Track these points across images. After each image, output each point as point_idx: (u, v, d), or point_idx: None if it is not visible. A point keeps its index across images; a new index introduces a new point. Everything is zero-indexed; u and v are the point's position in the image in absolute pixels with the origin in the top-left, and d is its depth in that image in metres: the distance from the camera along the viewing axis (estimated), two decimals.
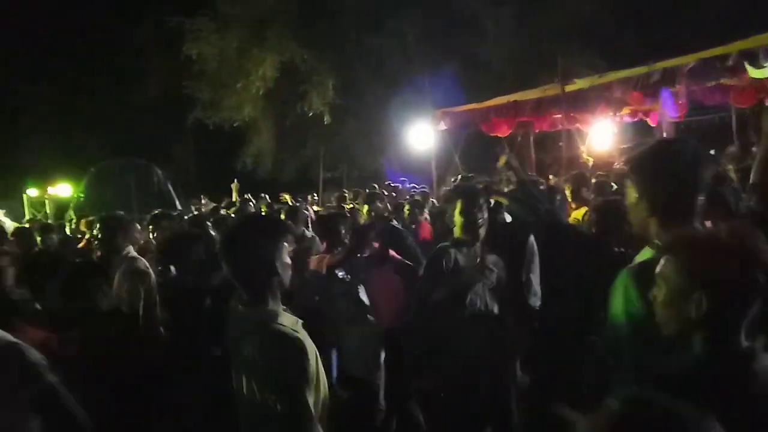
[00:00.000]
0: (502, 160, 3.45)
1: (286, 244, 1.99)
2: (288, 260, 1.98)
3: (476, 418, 2.89)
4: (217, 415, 2.72)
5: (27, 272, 3.18)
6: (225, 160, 17.41)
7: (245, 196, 8.02)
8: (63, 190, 13.20)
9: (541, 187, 4.95)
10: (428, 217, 5.91)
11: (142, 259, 3.75)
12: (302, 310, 2.15)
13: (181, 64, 15.68)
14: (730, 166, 4.76)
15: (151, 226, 5.13)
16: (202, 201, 12.02)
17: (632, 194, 1.64)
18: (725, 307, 1.18)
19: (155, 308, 3.43)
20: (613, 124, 10.95)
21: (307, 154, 17.60)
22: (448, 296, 2.80)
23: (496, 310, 2.91)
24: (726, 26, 9.08)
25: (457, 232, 2.96)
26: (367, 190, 9.57)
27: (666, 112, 7.67)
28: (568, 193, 4.98)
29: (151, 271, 3.60)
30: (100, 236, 4.19)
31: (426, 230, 5.66)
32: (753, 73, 6.35)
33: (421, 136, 11.22)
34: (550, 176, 9.93)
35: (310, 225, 5.50)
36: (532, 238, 3.47)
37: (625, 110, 10.31)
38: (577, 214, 4.58)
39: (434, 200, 7.65)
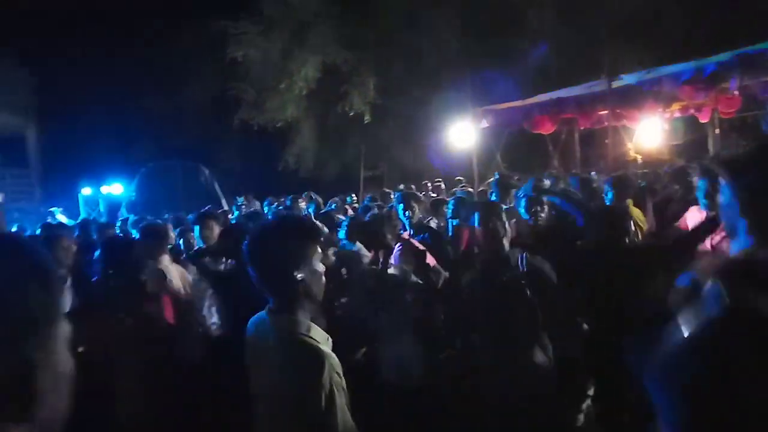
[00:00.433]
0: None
1: (318, 249, 1.85)
2: (320, 267, 1.84)
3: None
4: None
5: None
6: (268, 160, 17.73)
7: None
8: (116, 189, 13.71)
9: (594, 185, 4.82)
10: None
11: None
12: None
13: (226, 67, 16.06)
14: None
15: (198, 225, 5.30)
16: (245, 200, 12.29)
17: (720, 197, 1.43)
18: None
19: None
20: (662, 120, 10.64)
21: (349, 154, 17.77)
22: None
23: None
24: None
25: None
26: (404, 189, 9.62)
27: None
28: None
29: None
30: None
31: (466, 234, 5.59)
32: None
33: (462, 134, 11.18)
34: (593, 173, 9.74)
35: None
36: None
37: (675, 106, 10.00)
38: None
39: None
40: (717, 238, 2.92)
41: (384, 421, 3.12)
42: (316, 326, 1.79)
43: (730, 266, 1.05)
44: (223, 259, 3.87)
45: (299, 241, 1.81)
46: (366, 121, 15.67)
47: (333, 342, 1.83)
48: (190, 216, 7.41)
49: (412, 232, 4.47)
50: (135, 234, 5.62)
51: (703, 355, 0.70)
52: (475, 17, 14.59)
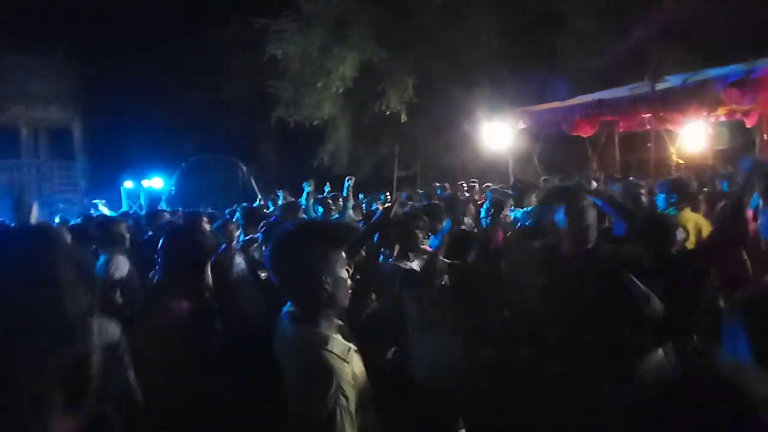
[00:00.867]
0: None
1: (342, 255, 1.79)
2: (344, 274, 1.77)
3: None
4: None
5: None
6: (304, 157, 17.94)
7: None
8: (156, 183, 14.07)
9: (642, 190, 4.68)
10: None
11: None
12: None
13: (265, 65, 16.30)
14: None
15: (243, 221, 5.47)
16: (281, 196, 12.43)
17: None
18: None
19: None
20: (706, 124, 10.32)
21: (383, 152, 17.81)
22: None
23: None
24: None
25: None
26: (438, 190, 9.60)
27: None
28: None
29: None
30: None
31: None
32: None
33: (499, 135, 11.08)
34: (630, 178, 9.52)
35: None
36: None
37: (721, 110, 9.68)
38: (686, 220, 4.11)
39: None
40: None
41: (417, 424, 3.09)
42: (336, 337, 1.73)
43: None
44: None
45: (321, 247, 1.73)
46: (402, 121, 15.67)
47: (360, 345, 1.79)
48: (227, 210, 7.61)
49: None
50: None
51: None
52: (516, 16, 14.42)
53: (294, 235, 1.78)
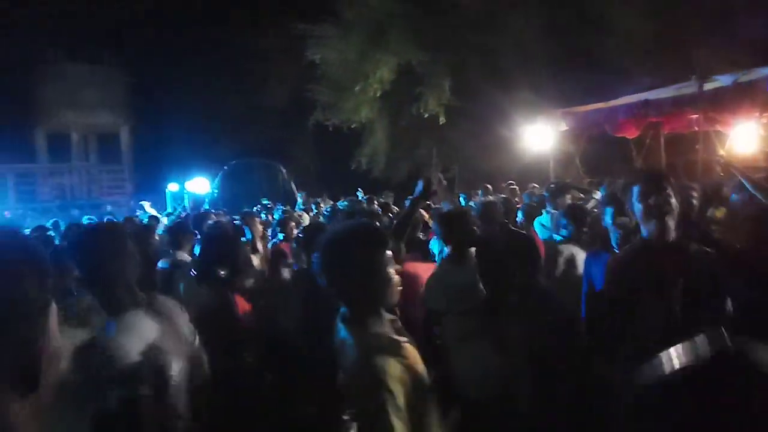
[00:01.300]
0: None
1: (389, 256, 1.82)
2: (393, 274, 1.81)
3: None
4: None
5: None
6: (341, 161, 18.11)
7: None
8: (199, 185, 14.44)
9: (693, 193, 4.54)
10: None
11: None
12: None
13: (304, 69, 16.52)
14: None
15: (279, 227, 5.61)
16: (322, 200, 12.60)
17: None
18: None
19: None
20: (758, 125, 9.94)
21: (421, 155, 17.81)
22: None
23: None
24: None
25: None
26: (480, 191, 9.55)
27: None
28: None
29: None
30: None
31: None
32: None
33: (539, 136, 10.93)
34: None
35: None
36: None
37: None
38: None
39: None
40: None
41: None
42: (386, 334, 1.77)
43: None
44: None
45: (370, 248, 1.77)
46: (440, 123, 15.64)
47: None
48: (262, 213, 7.78)
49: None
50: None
51: None
52: (556, 16, 14.21)
53: (344, 238, 1.82)
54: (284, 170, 15.56)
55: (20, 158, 19.16)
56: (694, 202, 4.48)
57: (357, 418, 1.68)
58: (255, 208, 8.89)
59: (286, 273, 4.27)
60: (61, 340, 0.92)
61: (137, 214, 11.51)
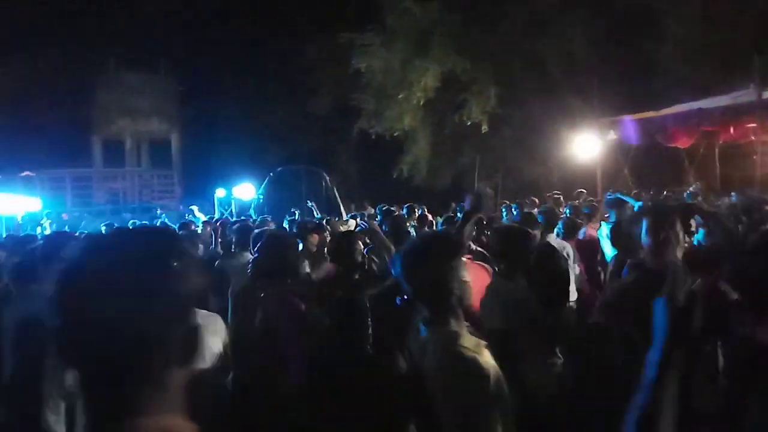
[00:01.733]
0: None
1: (463, 260, 1.99)
2: (467, 277, 1.97)
3: None
4: None
5: None
6: (383, 168, 18.19)
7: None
8: (245, 191, 14.74)
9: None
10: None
11: None
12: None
13: (349, 78, 16.72)
14: None
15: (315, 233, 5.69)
16: (365, 209, 12.68)
17: None
18: None
19: None
20: None
21: (463, 163, 17.71)
22: None
23: None
24: None
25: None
26: (527, 200, 9.41)
27: None
28: None
29: None
30: None
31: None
32: None
33: (586, 146, 10.73)
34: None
35: None
36: None
37: None
38: None
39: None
40: None
41: None
42: (466, 333, 1.90)
43: None
44: None
45: (451, 257, 1.96)
46: (483, 131, 15.54)
47: None
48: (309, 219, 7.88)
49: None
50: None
51: None
52: (606, 22, 13.90)
53: (427, 248, 2.03)
54: (328, 177, 15.75)
55: (77, 163, 20.06)
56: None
57: (451, 411, 1.76)
58: (297, 213, 9.01)
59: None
60: None
61: (187, 217, 11.87)
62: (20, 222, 11.32)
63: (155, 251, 0.98)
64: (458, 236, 2.65)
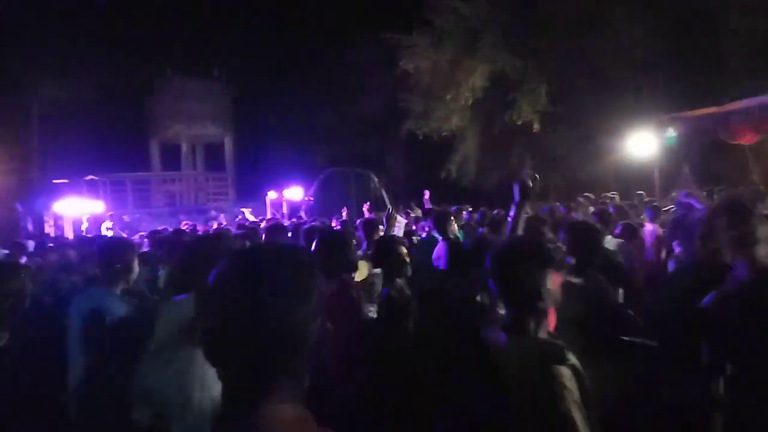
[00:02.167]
0: None
1: (551, 269, 1.99)
2: (553, 286, 1.98)
3: None
4: None
5: None
6: (431, 169, 18.12)
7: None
8: (296, 193, 15.00)
9: None
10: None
11: None
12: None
13: (397, 79, 16.76)
14: None
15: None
16: (410, 209, 12.66)
17: None
18: None
19: None
20: None
21: (513, 163, 17.40)
22: None
23: None
24: None
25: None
26: (581, 199, 9.19)
27: None
28: None
29: None
30: None
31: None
32: None
33: (644, 143, 10.37)
34: None
35: None
36: None
37: None
38: None
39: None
40: None
41: None
42: (553, 341, 1.92)
43: None
44: None
45: (543, 265, 1.96)
46: (534, 130, 15.25)
47: None
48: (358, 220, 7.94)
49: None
50: None
51: None
52: (663, 16, 13.40)
53: (522, 255, 2.03)
54: (376, 179, 15.84)
55: (137, 167, 20.97)
56: None
57: (535, 418, 1.77)
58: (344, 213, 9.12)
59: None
60: None
61: (238, 219, 12.20)
62: (86, 223, 11.91)
63: (300, 261, 1.18)
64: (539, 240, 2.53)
